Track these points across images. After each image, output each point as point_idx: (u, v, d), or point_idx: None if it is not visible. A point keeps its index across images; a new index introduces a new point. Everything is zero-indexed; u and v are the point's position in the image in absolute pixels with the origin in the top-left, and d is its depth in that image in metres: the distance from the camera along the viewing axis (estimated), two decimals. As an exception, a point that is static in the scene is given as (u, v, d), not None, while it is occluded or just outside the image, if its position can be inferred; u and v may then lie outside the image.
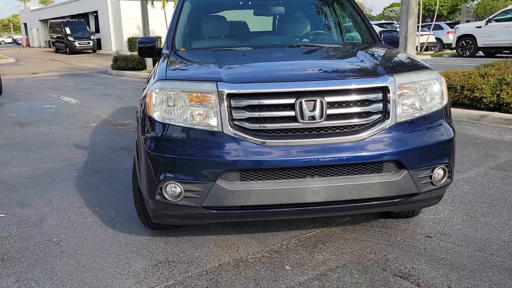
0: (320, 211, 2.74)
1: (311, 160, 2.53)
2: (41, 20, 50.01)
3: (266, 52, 3.47)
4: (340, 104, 2.60)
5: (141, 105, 2.85)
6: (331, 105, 2.58)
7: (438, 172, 2.75)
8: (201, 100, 2.60)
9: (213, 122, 2.57)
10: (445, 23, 28.83)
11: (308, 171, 2.56)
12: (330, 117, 2.58)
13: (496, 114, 6.75)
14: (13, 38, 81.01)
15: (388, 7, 59.35)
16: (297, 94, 2.55)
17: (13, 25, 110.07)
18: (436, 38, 25.88)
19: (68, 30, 35.25)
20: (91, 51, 35.64)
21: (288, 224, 3.43)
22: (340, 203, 2.64)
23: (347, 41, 3.91)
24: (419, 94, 2.76)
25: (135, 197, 3.12)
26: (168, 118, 2.64)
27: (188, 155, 2.56)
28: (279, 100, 2.56)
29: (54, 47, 38.38)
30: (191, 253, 3.03)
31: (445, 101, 2.85)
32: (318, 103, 2.54)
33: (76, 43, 34.62)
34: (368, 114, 2.63)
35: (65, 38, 35.31)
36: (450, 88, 7.36)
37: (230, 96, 2.56)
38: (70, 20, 38.08)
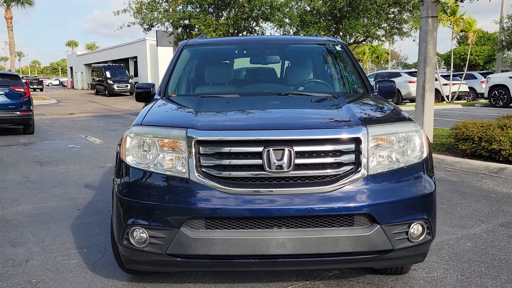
0: (290, 264, 2.64)
1: (277, 210, 2.46)
2: (85, 64, 52.68)
3: (249, 100, 3.49)
4: (309, 154, 2.55)
5: (118, 150, 2.89)
6: (300, 154, 2.54)
7: (416, 228, 2.62)
8: (171, 146, 2.62)
9: (181, 168, 2.56)
10: (479, 72, 28.41)
11: (274, 221, 2.49)
12: (299, 166, 2.53)
13: (515, 167, 6.46)
14: (59, 81, 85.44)
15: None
16: (265, 143, 2.52)
17: (61, 69, 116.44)
18: (469, 88, 25.47)
19: (108, 74, 36.86)
20: (129, 94, 37.02)
21: (270, 275, 3.32)
22: (308, 256, 2.54)
23: (338, 91, 3.89)
24: (396, 146, 2.68)
25: (112, 241, 3.11)
26: (140, 163, 2.66)
27: (154, 201, 2.55)
28: (246, 148, 2.54)
29: (95, 89, 40.11)
30: (163, 301, 2.96)
31: (425, 154, 2.75)
32: (286, 152, 2.50)
33: (115, 86, 36.06)
34: (339, 165, 2.56)
35: (104, 81, 36.89)
36: (467, 139, 7.15)
37: (199, 142, 2.56)
38: (111, 64, 39.91)
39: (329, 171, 2.54)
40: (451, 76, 23.85)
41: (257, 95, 3.64)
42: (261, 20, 15.30)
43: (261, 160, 2.50)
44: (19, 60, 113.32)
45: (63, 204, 5.28)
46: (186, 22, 15.30)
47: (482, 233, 4.18)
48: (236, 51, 4.27)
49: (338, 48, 4.19)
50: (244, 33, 16.32)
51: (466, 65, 25.49)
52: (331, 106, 3.19)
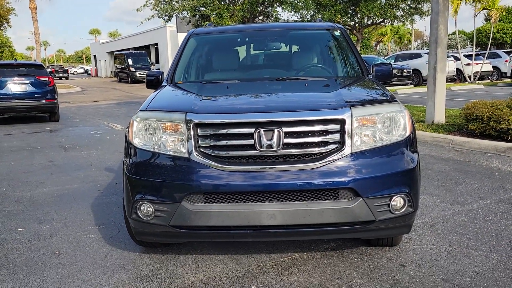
0: (282, 234, 2.90)
1: (267, 185, 2.72)
2: (108, 52, 53.55)
3: (248, 85, 3.74)
4: (297, 134, 2.79)
5: (126, 133, 3.18)
6: (289, 134, 2.78)
7: (397, 200, 2.84)
8: (173, 128, 2.89)
9: (182, 148, 2.84)
10: (503, 51, 27.77)
11: (266, 195, 2.75)
12: (288, 145, 2.77)
13: (523, 146, 6.53)
14: (84, 69, 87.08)
15: (450, 35, 57.94)
16: (257, 125, 2.77)
17: (86, 57, 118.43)
18: (493, 67, 25.00)
19: (130, 61, 37.44)
20: (151, 81, 37.48)
21: (271, 247, 3.59)
22: (297, 227, 2.80)
23: (334, 75, 4.09)
24: (379, 125, 2.89)
25: (124, 216, 3.43)
26: (145, 144, 2.95)
27: (158, 178, 2.84)
28: (240, 130, 2.80)
29: (118, 77, 40.82)
30: (171, 269, 3.27)
31: (408, 133, 2.95)
32: (275, 133, 2.75)
33: (137, 73, 36.61)
34: (325, 143, 2.79)
35: (127, 69, 37.51)
36: (476, 119, 7.23)
37: (197, 125, 2.83)
38: (133, 51, 40.49)
39: (315, 150, 2.78)
40: (473, 55, 23.45)
41: (257, 80, 3.88)
42: (276, 4, 15.38)
43: (253, 140, 2.76)
44: (45, 50, 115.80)
45: (84, 186, 5.66)
46: (202, 8, 15.52)
47: (478, 209, 4.36)
48: (239, 39, 4.50)
49: (337, 33, 4.37)
50: (261, 17, 16.44)
51: (489, 44, 24.90)
52: (322, 89, 3.41)
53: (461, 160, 6.42)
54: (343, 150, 2.78)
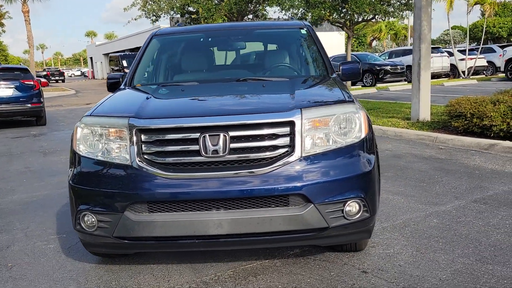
0: (232, 243, 2.78)
1: (213, 193, 2.59)
2: (104, 54, 53.47)
3: (204, 87, 3.61)
4: (244, 138, 2.66)
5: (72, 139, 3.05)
6: (236, 139, 2.65)
7: (352, 205, 2.72)
8: (116, 135, 2.76)
9: (125, 155, 2.71)
10: (498, 45, 27.60)
11: (213, 204, 2.62)
12: (235, 150, 2.64)
13: (506, 143, 6.40)
14: (81, 71, 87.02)
15: (445, 31, 57.69)
16: (202, 129, 2.64)
17: (83, 59, 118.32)
18: (488, 62, 24.82)
19: (124, 63, 37.19)
20: (145, 82, 37.36)
21: (232, 255, 3.46)
22: (247, 236, 2.67)
23: (298, 74, 3.96)
24: (333, 127, 2.76)
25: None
26: (89, 152, 2.82)
27: (101, 188, 2.71)
28: (184, 135, 2.67)
29: (113, 79, 40.56)
30: (123, 281, 3.14)
31: (363, 135, 2.82)
32: (221, 138, 2.62)
33: (132, 75, 36.40)
34: (274, 148, 2.66)
35: (122, 70, 37.30)
36: (460, 116, 7.10)
37: (140, 131, 2.70)
38: (127, 53, 40.34)
39: (264, 154, 2.65)
40: (467, 50, 23.29)
41: (217, 82, 3.75)
42: (265, 3, 15.25)
43: (198, 146, 2.63)
44: (42, 53, 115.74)
45: (55, 192, 5.53)
46: (190, 9, 15.38)
47: (452, 210, 4.23)
48: (201, 39, 4.37)
49: (303, 31, 4.23)
50: (250, 16, 16.30)
51: (482, 39, 24.75)
52: (278, 90, 3.28)
53: (442, 159, 6.29)
54: (293, 154, 2.65)
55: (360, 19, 17.89)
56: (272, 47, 4.37)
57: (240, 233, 2.64)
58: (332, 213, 2.67)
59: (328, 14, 14.93)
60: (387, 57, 25.36)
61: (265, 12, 16.34)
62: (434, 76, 23.71)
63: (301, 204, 2.63)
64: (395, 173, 5.61)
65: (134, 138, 2.69)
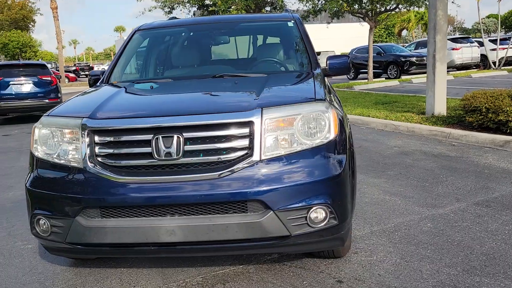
0: (188, 251, 2.63)
1: (166, 198, 2.44)
2: (131, 48, 54.08)
3: (176, 85, 3.46)
4: (200, 140, 2.49)
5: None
6: (191, 141, 2.49)
7: (317, 212, 2.51)
8: (70, 136, 2.65)
9: (78, 158, 2.59)
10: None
11: (167, 209, 2.47)
12: (190, 153, 2.48)
13: (522, 139, 6.00)
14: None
15: (482, 19, 55.61)
16: (155, 130, 2.49)
17: (113, 54, 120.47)
18: (522, 52, 23.69)
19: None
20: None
21: (206, 260, 3.31)
22: (203, 243, 2.51)
23: (279, 69, 3.75)
24: (297, 128, 2.56)
25: None
26: (46, 153, 2.71)
27: (53, 191, 2.60)
28: (137, 136, 2.52)
29: (139, 73, 41.03)
30: (89, 286, 3.04)
31: (332, 136, 2.60)
32: (175, 139, 2.46)
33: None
34: (232, 150, 2.48)
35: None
36: (475, 110, 6.71)
37: (94, 132, 2.57)
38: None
39: (221, 157, 2.47)
40: (498, 40, 22.30)
41: (192, 78, 3.59)
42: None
43: (150, 148, 2.48)
44: (75, 48, 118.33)
45: (51, 189, 5.50)
46: (207, 1, 15.25)
47: (450, 213, 3.95)
48: (183, 33, 4.21)
49: (290, 24, 4.01)
50: (268, 8, 16.05)
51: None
52: (247, 87, 3.09)
53: (452, 156, 5.95)
54: (251, 157, 2.46)
55: (382, 9, 17.36)
56: (255, 40, 4.17)
57: (194, 241, 2.48)
58: (294, 220, 2.47)
59: (345, 5, 14.51)
60: (413, 48, 24.60)
61: (282, 4, 16.05)
62: (464, 67, 22.88)
63: (260, 210, 2.45)
64: (398, 172, 5.34)
65: (87, 140, 2.56)
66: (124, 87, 3.34)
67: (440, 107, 8.06)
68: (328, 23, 19.24)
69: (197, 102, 2.89)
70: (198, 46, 4.14)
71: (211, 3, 14.88)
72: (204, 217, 2.45)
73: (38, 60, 45.67)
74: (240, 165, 2.45)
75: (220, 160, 2.47)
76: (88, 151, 2.55)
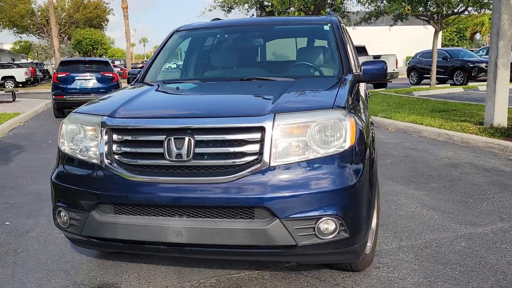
0: (198, 252, 2.63)
1: (174, 199, 2.47)
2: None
3: (201, 87, 3.48)
4: (211, 143, 2.49)
5: None
6: (202, 143, 2.49)
7: (326, 223, 2.43)
8: (92, 133, 2.74)
9: (96, 154, 2.67)
10: None
11: (176, 210, 2.50)
12: (201, 155, 2.49)
13: None
14: (176, 64, 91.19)
15: None
16: (168, 131, 2.53)
17: (180, 53, 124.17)
18: None
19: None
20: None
21: (225, 262, 3.31)
22: (210, 246, 2.51)
23: (309, 74, 3.66)
24: (311, 135, 2.48)
25: None
26: (69, 149, 2.83)
27: (73, 185, 2.71)
28: (151, 137, 2.57)
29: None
30: (108, 278, 3.14)
31: (348, 145, 2.50)
32: (186, 141, 2.48)
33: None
34: (242, 154, 2.46)
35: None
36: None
37: (112, 130, 2.65)
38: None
39: (231, 161, 2.46)
40: None
41: (220, 81, 3.60)
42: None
43: (162, 149, 2.51)
44: (144, 46, 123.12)
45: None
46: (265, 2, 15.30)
47: (490, 233, 3.68)
48: (218, 36, 4.23)
49: (326, 27, 3.91)
50: (328, 9, 15.80)
51: None
52: (269, 92, 3.03)
53: (506, 172, 5.55)
54: (261, 163, 2.42)
55: (449, 12, 16.55)
56: (289, 44, 4.11)
57: (199, 244, 2.48)
58: (301, 230, 2.40)
59: (408, 7, 13.97)
60: (484, 53, 23.27)
61: (341, 6, 15.76)
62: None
63: (267, 218, 2.41)
64: (442, 185, 5.06)
65: (106, 137, 2.64)
66: (153, 87, 3.42)
67: (500, 118, 7.55)
68: (391, 25, 18.68)
69: (212, 105, 2.90)
70: (232, 48, 4.15)
71: (269, 3, 14.93)
72: (210, 220, 2.45)
73: (109, 57, 48.03)
74: (248, 171, 2.42)
75: (229, 164, 2.46)
76: (106, 149, 2.63)
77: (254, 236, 2.40)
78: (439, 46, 31.60)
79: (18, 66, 32.03)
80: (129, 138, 2.60)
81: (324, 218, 2.41)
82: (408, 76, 22.79)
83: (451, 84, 19.90)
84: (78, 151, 2.78)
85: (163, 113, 2.72)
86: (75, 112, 2.96)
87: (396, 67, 18.84)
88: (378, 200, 3.42)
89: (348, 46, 3.69)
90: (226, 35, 4.21)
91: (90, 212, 2.61)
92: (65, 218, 2.75)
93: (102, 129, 2.66)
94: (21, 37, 45.76)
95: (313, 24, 4.12)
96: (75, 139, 2.82)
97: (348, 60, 3.58)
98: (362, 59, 16.72)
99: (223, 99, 3.04)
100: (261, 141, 2.45)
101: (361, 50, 21.19)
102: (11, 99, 17.08)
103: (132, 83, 3.85)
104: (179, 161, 2.49)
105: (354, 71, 3.55)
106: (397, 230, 3.82)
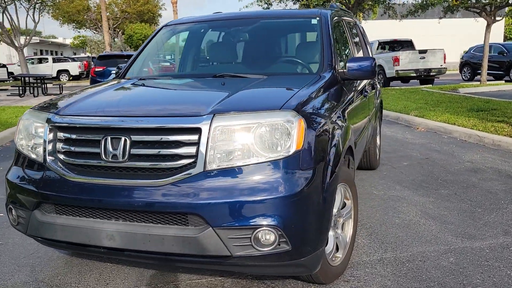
0: (135, 257, 2.53)
1: (108, 202, 2.37)
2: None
3: (164, 84, 3.38)
4: (148, 144, 2.36)
5: None
6: (139, 144, 2.37)
7: (264, 234, 2.24)
8: (40, 130, 2.69)
9: (40, 152, 2.62)
10: None
11: (112, 213, 2.40)
12: (137, 157, 2.37)
13: None
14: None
15: None
16: (105, 130, 2.43)
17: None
18: None
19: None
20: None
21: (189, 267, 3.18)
22: (138, 252, 2.39)
23: (285, 71, 3.44)
24: (252, 138, 2.29)
25: None
26: (21, 145, 2.79)
27: (20, 182, 2.67)
28: (89, 136, 2.48)
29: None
30: (69, 277, 3.10)
31: (293, 149, 2.29)
32: (122, 141, 2.37)
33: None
34: (178, 157, 2.32)
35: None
36: None
37: (57, 128, 2.59)
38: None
39: (165, 164, 2.32)
40: None
41: (192, 77, 3.46)
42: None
43: (99, 149, 2.42)
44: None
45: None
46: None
47: (486, 248, 3.32)
48: (202, 30, 4.07)
49: (314, 21, 3.65)
50: (370, 2, 15.24)
51: None
52: (225, 90, 2.85)
53: (531, 178, 5.04)
54: (195, 167, 2.27)
55: (503, 3, 15.45)
56: (272, 39, 3.86)
57: (132, 249, 2.37)
58: (236, 240, 2.23)
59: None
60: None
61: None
62: None
63: (201, 225, 2.25)
64: (453, 192, 4.66)
65: (51, 135, 2.58)
66: (119, 84, 3.34)
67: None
68: (440, 18, 17.75)
69: (155, 103, 2.77)
70: (214, 43, 3.99)
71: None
72: (143, 225, 2.34)
73: (160, 51, 48.95)
74: (182, 174, 2.28)
75: (164, 167, 2.32)
76: (49, 147, 2.57)
77: (186, 244, 2.26)
78: (496, 40, 29.75)
79: (73, 60, 33.48)
80: (70, 136, 2.53)
81: (261, 229, 2.22)
82: (460, 72, 21.59)
83: (506, 81, 18.63)
84: (29, 148, 2.75)
85: (104, 112, 2.62)
86: (32, 108, 2.92)
87: (444, 62, 17.88)
88: (356, 209, 3.17)
89: (332, 41, 3.41)
90: (210, 30, 4.07)
91: (33, 211, 2.57)
92: (15, 215, 2.73)
93: (47, 126, 2.60)
94: (79, 31, 47.81)
95: (301, 18, 3.87)
96: (28, 135, 2.78)
97: (330, 56, 3.31)
98: (407, 53, 15.91)
99: (170, 97, 2.92)
100: (197, 144, 2.29)
101: (408, 45, 20.39)
102: (59, 92, 17.83)
103: (110, 78, 3.79)
104: (114, 162, 2.39)
105: (336, 68, 3.29)
106: (385, 240, 3.53)
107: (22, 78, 18.21)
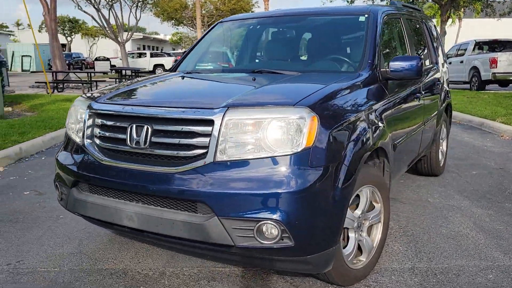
0: (153, 239, 2.68)
1: (128, 184, 2.55)
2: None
3: (203, 78, 3.48)
4: (168, 133, 2.50)
5: None
6: (160, 132, 2.52)
7: (267, 228, 2.27)
8: (83, 116, 2.94)
9: (81, 135, 2.87)
10: None
11: (134, 195, 2.57)
12: (157, 144, 2.52)
13: None
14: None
15: None
16: (131, 119, 2.61)
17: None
18: None
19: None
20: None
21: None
22: (158, 235, 2.53)
23: (327, 69, 3.38)
24: (263, 132, 2.33)
25: None
26: (69, 128, 3.08)
27: (64, 162, 2.95)
28: (119, 123, 2.67)
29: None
30: (108, 252, 3.35)
31: (304, 146, 2.28)
32: (144, 129, 2.53)
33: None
34: (193, 147, 2.43)
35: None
36: None
37: (95, 114, 2.82)
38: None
39: (181, 153, 2.44)
40: None
41: (234, 72, 3.54)
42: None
43: (125, 135, 2.60)
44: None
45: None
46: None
47: (534, 269, 3.02)
48: (251, 27, 4.12)
49: (361, 19, 3.54)
50: None
51: None
52: (250, 84, 2.90)
53: None
54: (205, 157, 2.36)
55: None
56: (321, 36, 3.79)
57: (146, 231, 2.52)
58: (239, 231, 2.28)
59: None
60: None
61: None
62: None
63: (208, 214, 2.34)
64: (518, 205, 4.27)
65: (90, 121, 2.82)
66: (164, 76, 3.53)
67: None
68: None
69: (179, 95, 2.90)
70: (260, 40, 4.03)
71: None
72: (158, 209, 2.48)
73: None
74: (194, 163, 2.38)
75: (180, 155, 2.44)
76: (88, 131, 2.81)
77: (192, 230, 2.36)
78: None
79: (168, 55, 35.46)
80: (105, 122, 2.74)
81: (264, 222, 2.25)
82: None
83: None
84: (74, 132, 3.02)
85: (134, 101, 2.81)
86: (81, 95, 3.21)
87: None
88: (388, 213, 3.06)
89: (378, 40, 3.29)
90: (258, 27, 4.12)
91: (71, 189, 2.83)
92: (59, 191, 3.02)
93: (88, 111, 2.85)
94: (177, 28, 50.35)
95: (350, 15, 3.78)
96: (75, 120, 3.05)
97: (372, 55, 3.21)
98: (507, 55, 14.60)
99: (196, 90, 3.03)
100: (210, 135, 2.38)
101: (511, 45, 18.74)
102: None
103: (161, 71, 4.02)
104: (137, 148, 2.55)
105: (378, 67, 3.19)
106: (423, 249, 3.36)
107: (120, 71, 19.69)
